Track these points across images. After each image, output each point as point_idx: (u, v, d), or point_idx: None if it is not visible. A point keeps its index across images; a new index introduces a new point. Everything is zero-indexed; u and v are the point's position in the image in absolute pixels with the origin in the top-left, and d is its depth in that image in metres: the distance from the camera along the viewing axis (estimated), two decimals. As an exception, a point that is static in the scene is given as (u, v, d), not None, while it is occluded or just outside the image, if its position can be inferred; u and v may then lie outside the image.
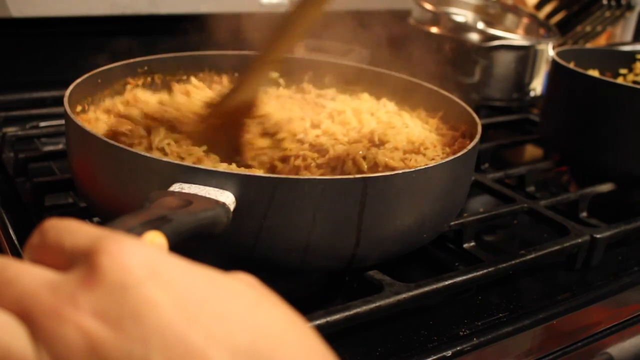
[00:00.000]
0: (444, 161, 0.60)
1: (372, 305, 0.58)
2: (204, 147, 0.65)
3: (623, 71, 1.12)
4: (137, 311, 0.27)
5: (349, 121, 0.78)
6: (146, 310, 0.27)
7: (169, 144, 0.65)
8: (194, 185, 0.51)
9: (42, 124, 0.98)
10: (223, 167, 0.63)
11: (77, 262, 0.29)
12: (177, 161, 0.59)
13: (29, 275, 0.29)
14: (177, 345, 0.27)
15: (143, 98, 0.80)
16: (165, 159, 0.59)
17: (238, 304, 0.29)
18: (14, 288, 0.28)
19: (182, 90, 0.77)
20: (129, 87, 0.82)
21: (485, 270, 0.66)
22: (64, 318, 0.27)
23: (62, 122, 0.66)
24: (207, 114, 0.69)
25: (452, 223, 0.73)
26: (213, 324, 0.28)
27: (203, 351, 0.27)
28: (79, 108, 0.73)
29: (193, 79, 0.86)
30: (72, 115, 0.61)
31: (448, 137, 0.77)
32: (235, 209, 0.51)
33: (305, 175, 0.66)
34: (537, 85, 1.26)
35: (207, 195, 0.50)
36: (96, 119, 0.73)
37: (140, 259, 0.28)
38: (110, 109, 0.74)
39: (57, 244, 0.30)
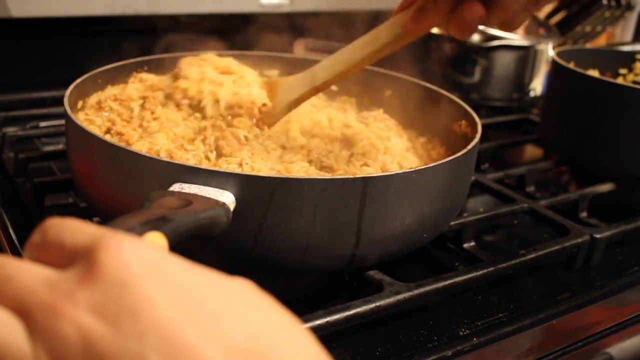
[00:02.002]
0: (444, 161, 0.60)
1: (372, 305, 0.58)
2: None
3: (623, 71, 1.12)
4: (134, 308, 0.27)
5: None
6: (143, 307, 0.27)
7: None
8: (194, 185, 0.51)
9: (42, 124, 0.98)
10: (223, 167, 0.63)
11: (76, 259, 0.29)
12: (178, 161, 0.59)
13: (27, 273, 0.29)
14: (172, 343, 0.27)
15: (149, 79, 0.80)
16: (165, 159, 0.59)
17: (235, 304, 0.29)
18: (13, 285, 0.28)
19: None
20: (131, 79, 0.81)
21: (485, 270, 0.66)
22: (61, 314, 0.27)
23: (62, 122, 0.66)
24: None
25: (452, 223, 0.73)
26: (209, 323, 0.28)
27: (198, 349, 0.27)
28: (79, 107, 0.73)
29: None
30: (72, 115, 0.61)
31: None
32: (235, 209, 0.51)
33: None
34: (537, 85, 1.26)
35: (207, 195, 0.50)
36: (95, 117, 0.73)
37: (140, 257, 0.28)
38: (102, 104, 0.74)
39: (58, 242, 0.30)
